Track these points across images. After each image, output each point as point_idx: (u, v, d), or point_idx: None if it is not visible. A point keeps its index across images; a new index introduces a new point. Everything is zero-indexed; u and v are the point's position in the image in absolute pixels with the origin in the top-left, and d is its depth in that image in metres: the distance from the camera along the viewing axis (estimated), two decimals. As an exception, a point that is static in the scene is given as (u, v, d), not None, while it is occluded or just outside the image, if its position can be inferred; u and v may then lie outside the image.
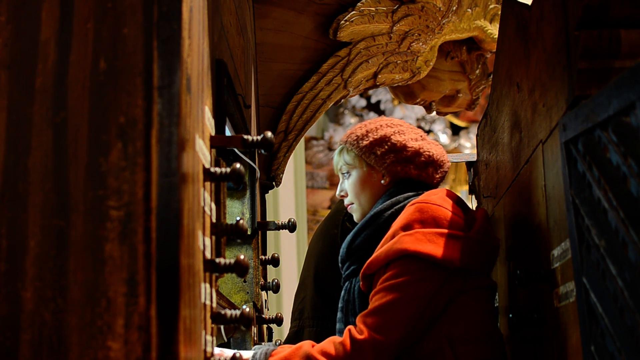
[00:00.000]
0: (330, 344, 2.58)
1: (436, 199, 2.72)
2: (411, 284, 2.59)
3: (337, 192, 3.08)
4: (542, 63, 2.43)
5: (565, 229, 2.12)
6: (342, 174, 3.04)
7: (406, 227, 2.66)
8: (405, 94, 4.68)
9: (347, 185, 3.02)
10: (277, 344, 3.07)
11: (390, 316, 2.57)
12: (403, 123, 3.02)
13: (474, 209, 3.22)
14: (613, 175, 1.74)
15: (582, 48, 2.10)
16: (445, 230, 2.63)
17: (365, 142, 2.95)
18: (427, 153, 2.94)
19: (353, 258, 2.93)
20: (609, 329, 1.78)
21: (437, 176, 2.99)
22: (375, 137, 2.94)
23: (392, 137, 2.93)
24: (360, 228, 2.92)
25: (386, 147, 2.92)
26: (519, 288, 2.80)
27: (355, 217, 3.04)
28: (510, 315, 2.71)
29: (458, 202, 2.81)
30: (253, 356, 2.62)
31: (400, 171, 2.91)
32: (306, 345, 2.60)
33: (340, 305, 2.96)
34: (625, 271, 1.69)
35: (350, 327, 2.60)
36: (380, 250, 2.69)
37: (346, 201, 3.05)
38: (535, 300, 2.60)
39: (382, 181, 2.94)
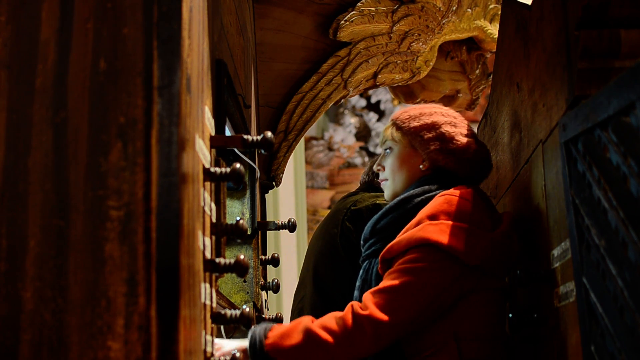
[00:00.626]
0: (331, 318, 2.57)
1: (466, 194, 2.71)
2: (426, 271, 2.58)
3: (375, 166, 3.07)
4: (542, 63, 2.43)
5: (565, 228, 2.12)
6: (385, 149, 3.03)
7: (432, 216, 2.66)
8: (405, 94, 4.68)
9: (387, 161, 3.01)
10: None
11: (398, 298, 2.56)
12: (458, 116, 3.00)
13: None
14: (613, 175, 1.74)
15: (582, 48, 2.10)
16: (470, 226, 2.62)
17: (415, 124, 2.94)
18: (472, 151, 2.92)
19: (376, 238, 2.92)
20: (609, 329, 1.78)
21: (476, 176, 2.97)
22: (427, 121, 2.93)
23: (443, 126, 2.92)
24: (388, 209, 2.91)
25: (434, 133, 2.91)
26: (519, 288, 2.80)
27: (386, 195, 3.03)
28: (510, 315, 2.71)
29: (487, 201, 2.80)
30: (252, 331, 2.61)
31: (440, 160, 2.89)
32: (306, 319, 2.59)
33: (357, 284, 2.95)
34: (625, 271, 1.69)
35: (353, 302, 2.59)
36: (402, 235, 2.69)
37: (381, 176, 3.04)
38: (535, 300, 2.60)
39: (421, 166, 2.92)
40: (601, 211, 1.80)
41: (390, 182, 2.99)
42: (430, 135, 2.90)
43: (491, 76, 3.70)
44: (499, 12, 3.73)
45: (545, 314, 2.46)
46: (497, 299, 2.73)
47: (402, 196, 2.88)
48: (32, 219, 1.51)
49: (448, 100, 4.80)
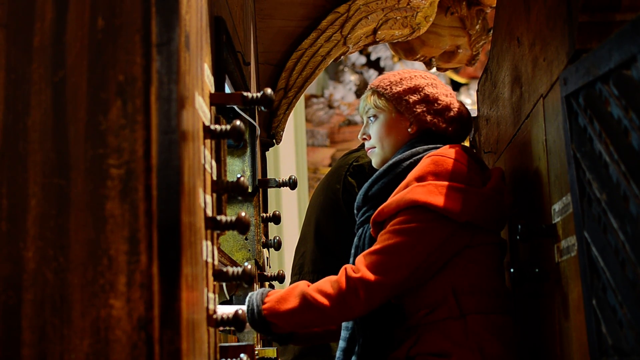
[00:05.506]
0: (326, 282, 2.62)
1: (453, 153, 2.73)
2: (416, 231, 2.61)
3: (360, 135, 3.08)
4: (542, 17, 2.41)
5: (567, 183, 2.12)
6: (368, 117, 3.04)
7: (420, 178, 2.68)
8: (405, 50, 4.67)
9: (372, 129, 3.02)
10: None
11: (389, 258, 2.60)
12: (436, 78, 3.04)
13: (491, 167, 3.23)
14: (614, 129, 1.74)
15: (583, 1, 2.09)
16: (458, 185, 2.64)
17: (398, 89, 2.95)
18: (456, 110, 2.96)
19: (368, 205, 2.94)
20: (610, 283, 1.78)
21: (462, 134, 3.00)
22: (410, 85, 2.95)
23: (425, 88, 2.95)
24: (378, 176, 2.93)
25: (419, 96, 2.93)
26: (521, 243, 2.80)
27: (374, 162, 3.04)
28: (512, 270, 2.72)
29: (475, 158, 2.82)
30: (249, 297, 2.64)
31: (428, 122, 2.92)
32: (302, 284, 2.64)
33: (352, 251, 2.98)
34: (626, 224, 1.69)
35: (347, 265, 2.63)
36: (392, 198, 2.71)
37: (367, 144, 3.05)
38: (536, 254, 2.60)
39: (409, 129, 2.94)
40: (602, 165, 1.80)
41: (378, 149, 3.00)
42: (415, 98, 2.94)
43: (491, 31, 3.69)
44: (499, -33, 3.70)
45: (547, 268, 2.47)
46: (493, 252, 2.76)
47: (390, 162, 2.90)
48: (33, 178, 1.51)
49: (448, 56, 4.79)
